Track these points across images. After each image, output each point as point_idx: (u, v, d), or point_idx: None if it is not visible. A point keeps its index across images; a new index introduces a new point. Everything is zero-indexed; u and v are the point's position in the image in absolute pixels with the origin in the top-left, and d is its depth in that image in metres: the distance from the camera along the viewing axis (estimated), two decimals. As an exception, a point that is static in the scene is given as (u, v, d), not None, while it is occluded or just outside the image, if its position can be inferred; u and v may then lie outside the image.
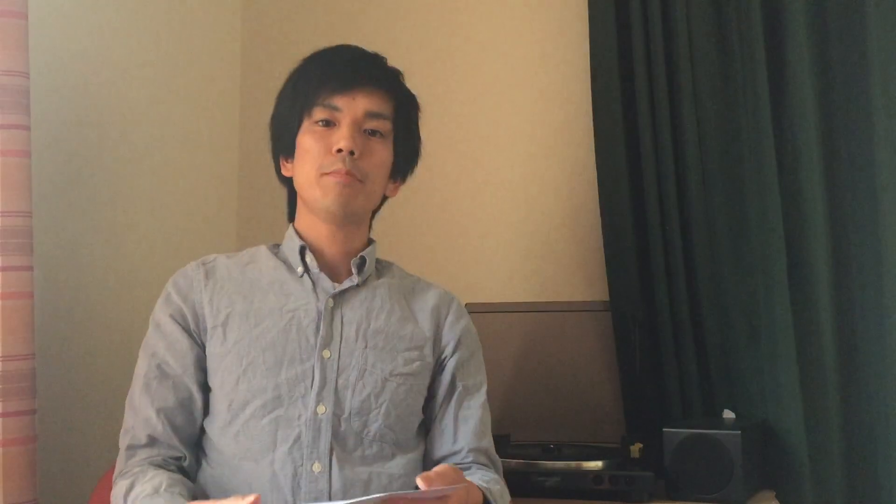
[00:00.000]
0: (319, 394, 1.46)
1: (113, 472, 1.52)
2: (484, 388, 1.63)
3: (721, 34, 2.26)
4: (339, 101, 1.52)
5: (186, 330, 1.52)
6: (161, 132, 2.40)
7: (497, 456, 1.63)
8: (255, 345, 1.48)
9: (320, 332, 1.50)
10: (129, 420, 1.52)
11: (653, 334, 2.26)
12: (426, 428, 1.60)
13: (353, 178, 1.50)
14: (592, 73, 2.35)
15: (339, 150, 1.50)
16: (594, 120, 2.34)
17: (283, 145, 1.59)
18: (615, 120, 2.31)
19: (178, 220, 2.44)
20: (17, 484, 1.73)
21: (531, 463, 2.00)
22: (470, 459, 1.56)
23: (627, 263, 2.29)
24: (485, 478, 1.52)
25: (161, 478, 1.42)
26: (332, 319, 1.52)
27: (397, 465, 1.49)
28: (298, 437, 1.44)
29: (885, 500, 2.06)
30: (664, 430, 2.05)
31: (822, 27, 2.17)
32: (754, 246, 2.20)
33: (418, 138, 1.65)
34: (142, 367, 1.53)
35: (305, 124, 1.54)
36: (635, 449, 2.03)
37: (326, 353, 1.49)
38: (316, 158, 1.51)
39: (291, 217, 1.64)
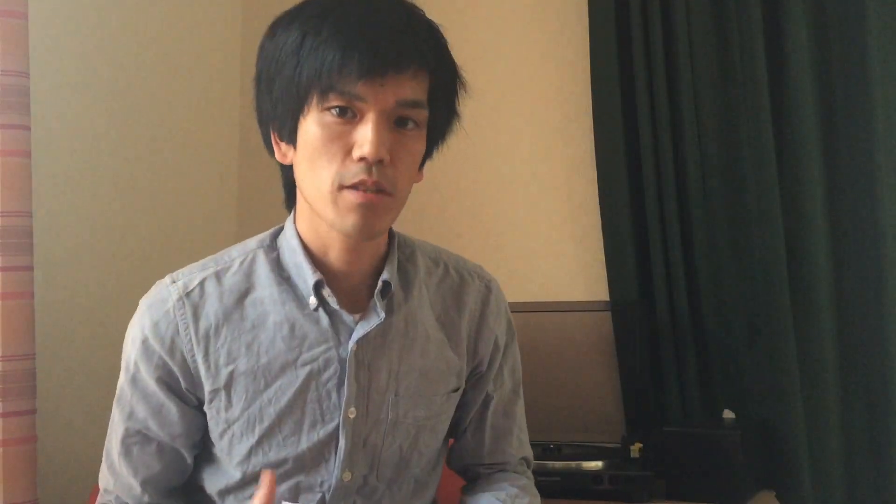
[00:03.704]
0: (346, 459, 1.25)
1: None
2: (517, 389, 1.44)
3: (721, 34, 2.26)
4: (363, 90, 1.12)
5: (177, 393, 1.24)
6: (161, 132, 2.40)
7: (530, 452, 1.46)
8: (268, 410, 1.23)
9: (345, 387, 1.24)
10: (108, 478, 1.30)
11: (653, 334, 2.26)
12: (452, 433, 1.43)
13: (381, 193, 1.14)
14: (592, 73, 2.35)
15: (363, 159, 1.13)
16: (594, 120, 2.35)
17: (279, 124, 1.19)
18: (615, 120, 2.31)
19: (178, 220, 2.44)
20: (17, 484, 1.74)
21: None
22: (496, 469, 1.42)
23: (627, 263, 2.30)
24: (509, 493, 1.37)
25: None
26: (357, 370, 1.24)
27: (420, 499, 1.36)
28: (322, 502, 1.27)
29: (886, 500, 2.06)
30: (664, 430, 2.05)
31: (822, 27, 2.17)
32: (754, 246, 2.20)
33: (456, 116, 1.30)
34: (118, 424, 1.28)
35: (314, 108, 1.14)
36: (635, 449, 2.03)
37: (352, 412, 1.24)
38: (331, 164, 1.14)
39: (290, 204, 1.29)
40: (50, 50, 2.07)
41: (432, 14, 1.29)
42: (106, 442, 1.31)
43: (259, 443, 1.24)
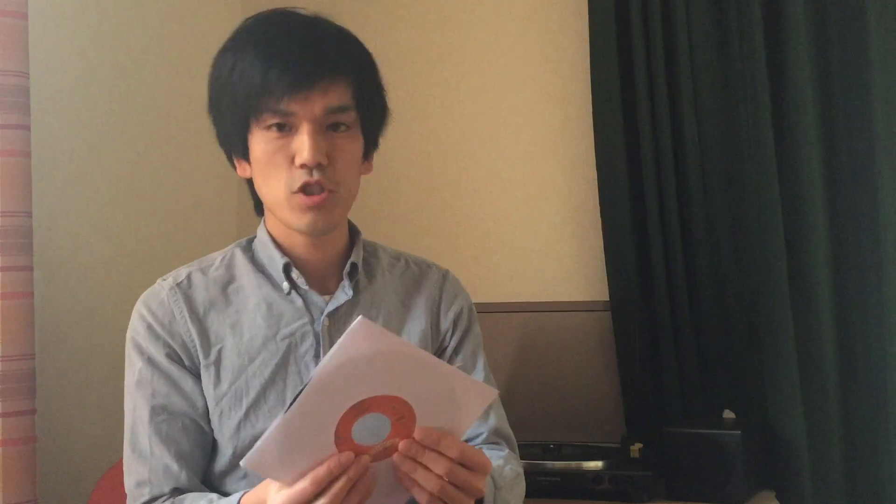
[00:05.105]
0: None
1: (111, 474, 1.48)
2: (481, 362, 1.50)
3: (721, 34, 2.27)
4: (292, 105, 1.28)
5: (186, 368, 1.36)
6: (161, 132, 2.40)
7: (509, 430, 1.51)
8: (253, 383, 1.34)
9: (321, 359, 1.29)
10: (139, 471, 1.34)
11: (653, 334, 2.26)
12: None
13: (326, 192, 1.30)
14: (592, 73, 2.35)
15: (304, 165, 1.29)
16: (594, 120, 2.34)
17: (233, 145, 1.38)
18: (615, 120, 2.31)
19: (178, 220, 2.44)
20: (17, 484, 1.74)
21: (531, 463, 2.00)
22: (479, 441, 1.45)
23: (627, 263, 2.30)
24: (500, 454, 1.42)
25: (205, 499, 1.31)
26: (330, 342, 1.36)
27: None
28: None
29: (886, 501, 2.06)
30: (664, 430, 2.05)
31: (822, 27, 2.17)
32: (754, 246, 2.20)
33: (385, 103, 1.41)
34: (142, 409, 1.35)
35: (254, 127, 1.32)
36: (635, 449, 2.03)
37: None
38: (279, 174, 1.31)
39: (259, 210, 1.47)
40: (50, 50, 2.07)
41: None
42: (127, 437, 1.36)
43: (247, 415, 1.34)
